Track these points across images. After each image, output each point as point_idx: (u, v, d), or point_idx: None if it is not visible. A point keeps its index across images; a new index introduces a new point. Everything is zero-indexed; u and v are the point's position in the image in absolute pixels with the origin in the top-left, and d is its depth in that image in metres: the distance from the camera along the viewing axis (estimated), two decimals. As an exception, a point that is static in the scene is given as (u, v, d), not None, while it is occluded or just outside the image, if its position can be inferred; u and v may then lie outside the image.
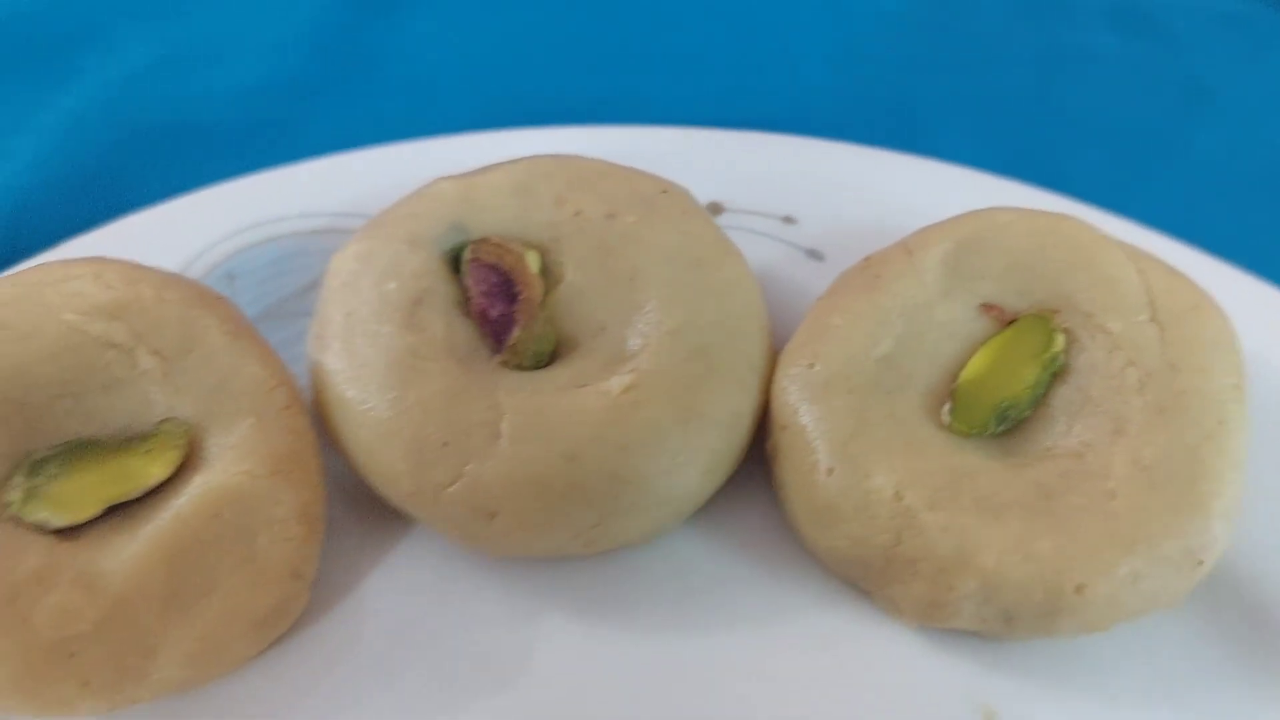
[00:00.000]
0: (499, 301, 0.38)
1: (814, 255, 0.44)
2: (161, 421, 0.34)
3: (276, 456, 0.34)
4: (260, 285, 0.42)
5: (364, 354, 0.36)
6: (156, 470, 0.33)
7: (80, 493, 0.33)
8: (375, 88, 0.58)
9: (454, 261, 0.39)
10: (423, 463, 0.35)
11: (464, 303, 0.38)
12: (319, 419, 0.37)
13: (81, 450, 0.33)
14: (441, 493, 0.34)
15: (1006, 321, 0.37)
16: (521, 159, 0.41)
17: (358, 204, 0.44)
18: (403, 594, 0.36)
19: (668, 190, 0.41)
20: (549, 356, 0.38)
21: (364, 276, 0.38)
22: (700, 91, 0.59)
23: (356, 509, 0.38)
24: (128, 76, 0.58)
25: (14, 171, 0.53)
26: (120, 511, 0.33)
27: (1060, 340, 0.36)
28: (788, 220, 0.45)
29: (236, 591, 0.33)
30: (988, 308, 0.38)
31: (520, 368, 0.37)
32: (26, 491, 0.32)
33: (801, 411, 0.36)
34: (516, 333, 0.37)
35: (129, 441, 0.34)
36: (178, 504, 0.33)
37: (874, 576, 0.35)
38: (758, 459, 0.38)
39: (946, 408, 0.36)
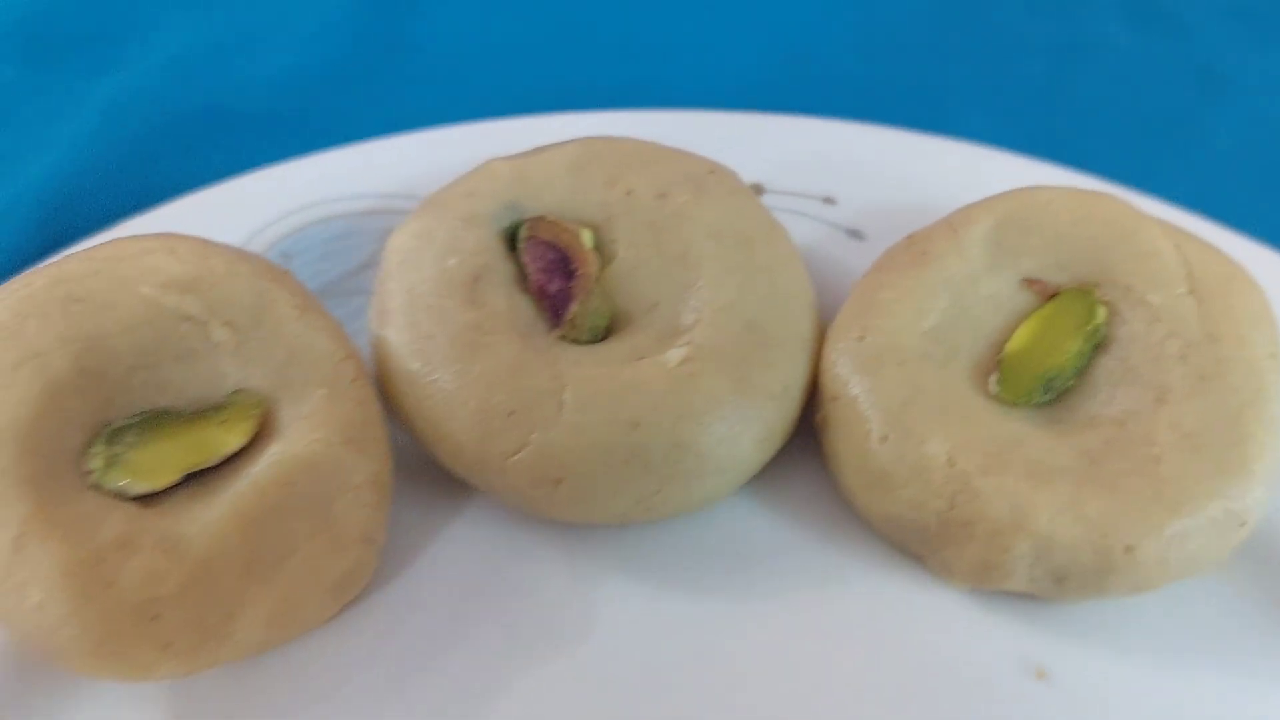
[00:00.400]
0: (557, 277, 0.39)
1: (855, 235, 0.45)
2: (234, 392, 0.35)
3: (349, 426, 0.35)
4: (316, 264, 0.43)
5: (427, 328, 0.37)
6: (232, 439, 0.34)
7: (159, 460, 0.33)
8: (411, 75, 0.59)
9: (510, 239, 0.40)
10: (488, 432, 0.35)
11: (521, 279, 0.39)
12: (382, 392, 0.38)
13: (159, 420, 0.34)
14: (507, 461, 0.35)
15: (1049, 295, 0.38)
16: (573, 140, 0.42)
17: (409, 185, 0.45)
18: (466, 561, 0.37)
19: (715, 171, 0.41)
20: (604, 331, 0.39)
21: (424, 253, 0.39)
22: (727, 78, 0.60)
23: (414, 481, 0.39)
24: (168, 64, 0.58)
25: (57, 159, 0.54)
26: (196, 480, 0.34)
27: (1102, 313, 0.37)
28: (828, 201, 0.46)
29: (313, 556, 0.33)
30: (1031, 282, 0.39)
31: (577, 341, 0.38)
32: (107, 459, 0.33)
33: (853, 383, 0.37)
34: (574, 307, 0.38)
35: (204, 412, 0.34)
36: (254, 472, 0.34)
37: (928, 540, 0.36)
38: (805, 433, 0.39)
39: (993, 378, 0.37)
